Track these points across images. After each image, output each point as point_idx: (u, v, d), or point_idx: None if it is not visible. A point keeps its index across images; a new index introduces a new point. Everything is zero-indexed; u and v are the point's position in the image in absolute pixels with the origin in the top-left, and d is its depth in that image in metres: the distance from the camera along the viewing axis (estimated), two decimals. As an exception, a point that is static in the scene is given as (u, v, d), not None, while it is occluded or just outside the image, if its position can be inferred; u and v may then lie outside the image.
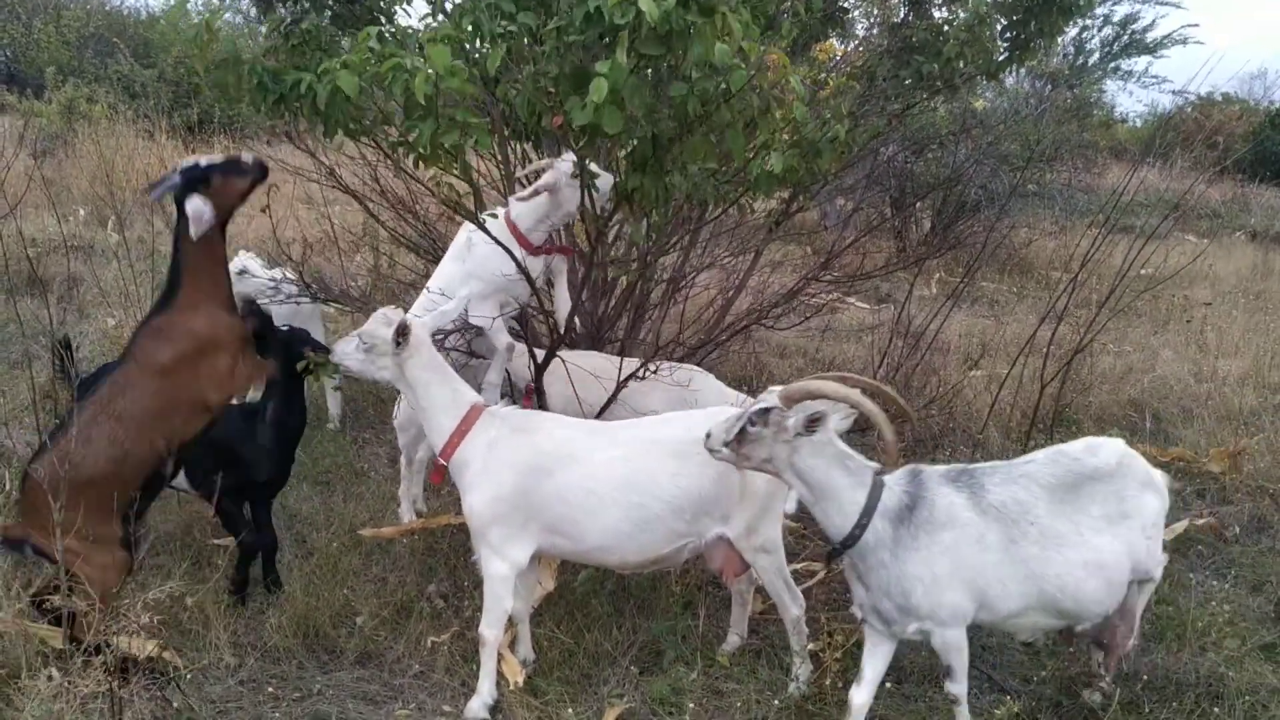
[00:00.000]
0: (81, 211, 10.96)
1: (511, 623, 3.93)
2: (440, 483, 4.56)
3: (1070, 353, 5.71)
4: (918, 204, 11.97)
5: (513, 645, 3.97)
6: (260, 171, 3.67)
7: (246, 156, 3.67)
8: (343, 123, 3.71)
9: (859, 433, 6.05)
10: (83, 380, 4.05)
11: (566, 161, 4.31)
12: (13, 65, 18.65)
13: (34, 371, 5.45)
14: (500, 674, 3.76)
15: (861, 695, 3.38)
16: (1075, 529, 3.35)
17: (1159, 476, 3.57)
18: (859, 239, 7.09)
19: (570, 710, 3.64)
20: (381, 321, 3.71)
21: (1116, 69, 16.91)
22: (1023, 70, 14.12)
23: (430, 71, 3.34)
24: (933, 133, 9.77)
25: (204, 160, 3.57)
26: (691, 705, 3.65)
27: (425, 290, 4.83)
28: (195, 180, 3.55)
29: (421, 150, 3.62)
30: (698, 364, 5.82)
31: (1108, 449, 3.49)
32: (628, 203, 4.13)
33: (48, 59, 16.96)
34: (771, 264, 7.41)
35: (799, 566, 4.46)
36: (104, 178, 11.68)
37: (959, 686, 3.41)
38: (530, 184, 4.43)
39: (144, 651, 3.51)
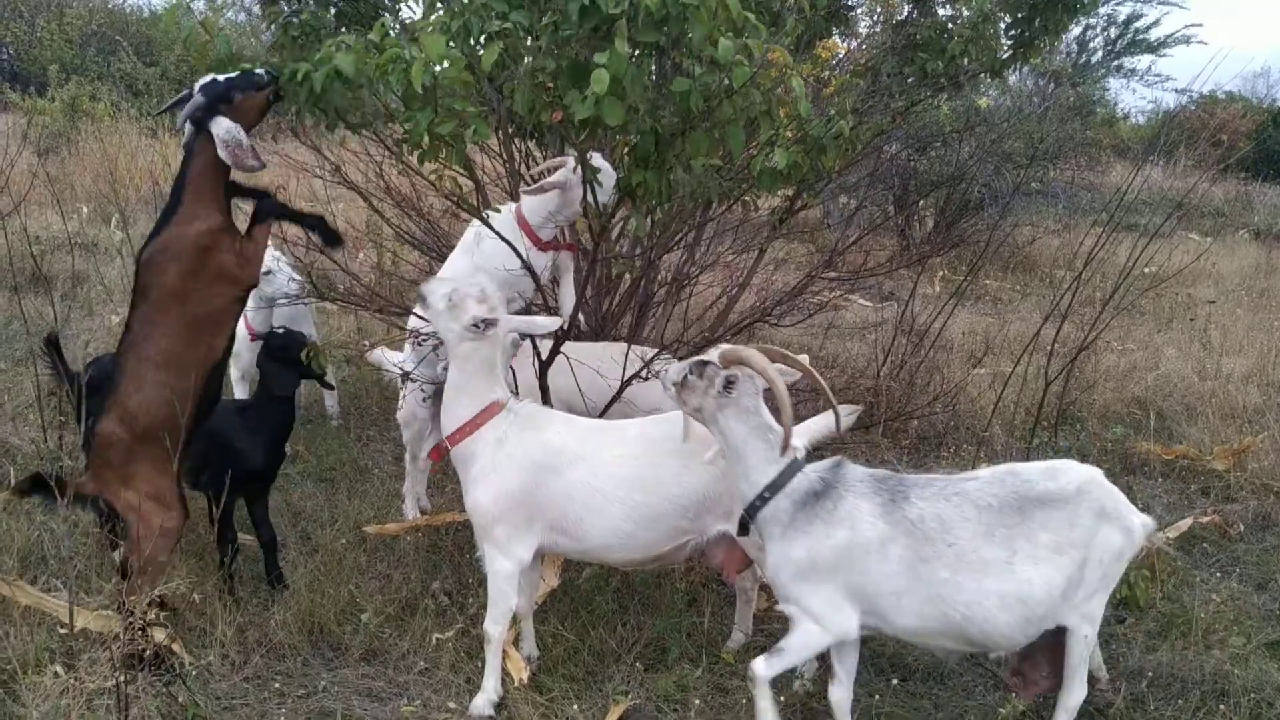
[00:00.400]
0: (85, 209, 10.99)
1: (516, 620, 3.94)
2: (439, 460, 4.53)
3: (1074, 351, 5.71)
4: (921, 202, 11.97)
5: (517, 642, 3.97)
6: (274, 81, 3.60)
7: (259, 69, 3.59)
8: (343, 112, 3.69)
9: (861, 429, 6.07)
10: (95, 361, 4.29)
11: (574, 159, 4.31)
12: (16, 63, 18.68)
13: (38, 369, 5.45)
14: (505, 671, 3.76)
15: (839, 692, 3.36)
16: (1008, 556, 3.14)
17: (1135, 517, 3.28)
18: (862, 237, 7.09)
19: (575, 706, 3.64)
20: (478, 298, 3.65)
21: (1120, 67, 16.89)
22: (1026, 68, 14.12)
23: (427, 60, 3.34)
24: (936, 131, 9.76)
25: (221, 76, 3.48)
26: (697, 702, 3.66)
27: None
28: (217, 98, 3.46)
29: (418, 140, 3.59)
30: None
31: (1071, 474, 3.26)
32: (630, 198, 4.13)
33: (50, 57, 17.01)
34: (775, 262, 7.41)
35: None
36: (107, 175, 11.73)
37: (839, 689, 3.34)
38: (539, 181, 4.42)
39: (152, 643, 3.51)
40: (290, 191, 7.83)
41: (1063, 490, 3.20)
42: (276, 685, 3.71)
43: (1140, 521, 3.29)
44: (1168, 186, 12.15)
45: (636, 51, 3.40)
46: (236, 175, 3.67)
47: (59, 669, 3.28)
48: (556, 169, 4.43)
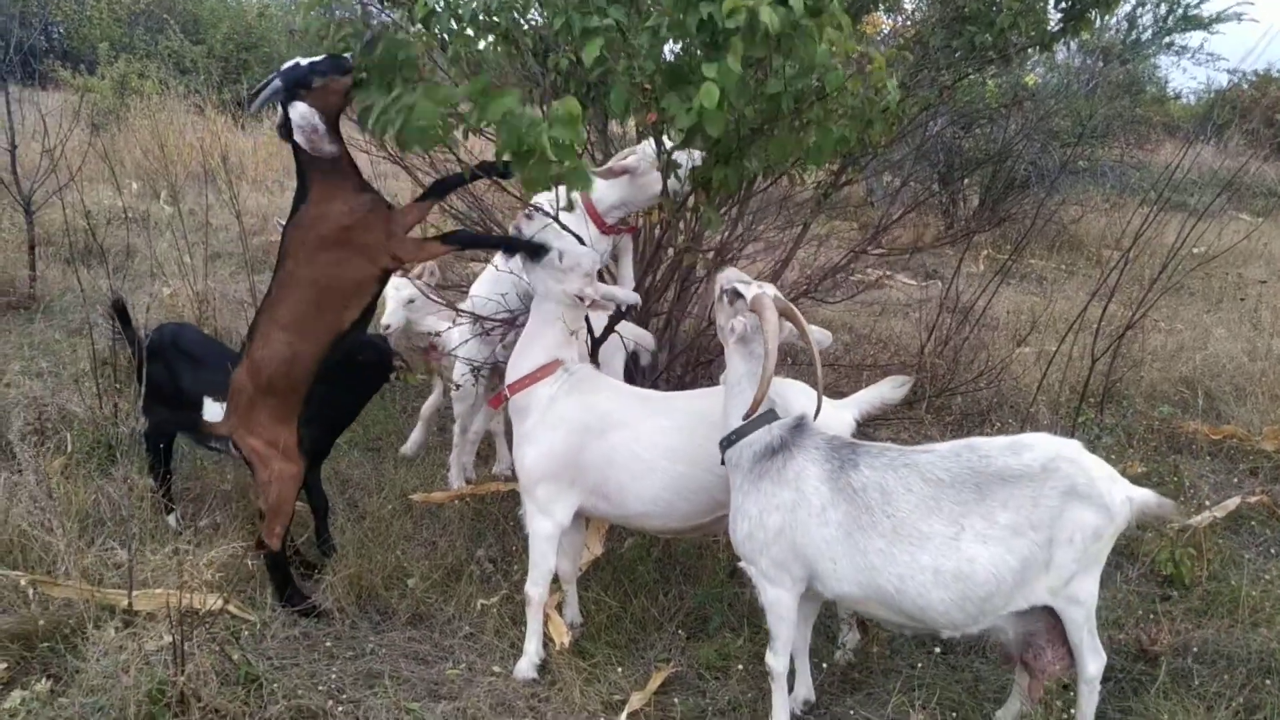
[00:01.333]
0: (135, 184, 11.16)
1: (559, 586, 3.99)
2: (498, 408, 4.65)
3: (1121, 329, 5.65)
4: (966, 180, 11.85)
5: (560, 608, 4.03)
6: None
7: (346, 54, 3.54)
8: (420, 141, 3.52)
9: (905, 406, 6.05)
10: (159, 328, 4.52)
11: (650, 145, 4.30)
12: (67, 42, 18.94)
13: (94, 338, 5.57)
14: (547, 636, 3.82)
15: (774, 660, 3.40)
16: (953, 532, 3.04)
17: (1115, 493, 3.07)
18: (906, 214, 7.05)
19: (619, 670, 3.69)
20: (586, 271, 3.78)
21: (1170, 44, 16.55)
22: (1075, 46, 13.89)
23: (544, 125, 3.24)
24: (982, 107, 9.65)
25: (304, 60, 3.49)
26: (740, 668, 3.69)
27: (492, 265, 4.88)
28: (296, 83, 3.47)
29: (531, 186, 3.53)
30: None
31: (1037, 450, 3.09)
32: (704, 190, 4.12)
33: (100, 35, 17.21)
34: (818, 238, 7.39)
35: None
36: (156, 151, 11.91)
37: (775, 660, 3.33)
38: (608, 164, 4.44)
39: (207, 606, 3.60)
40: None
41: (1026, 467, 3.06)
42: (327, 645, 3.79)
43: (1123, 496, 3.08)
44: (1218, 166, 11.94)
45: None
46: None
47: (118, 624, 3.37)
48: (629, 155, 4.43)
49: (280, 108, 3.51)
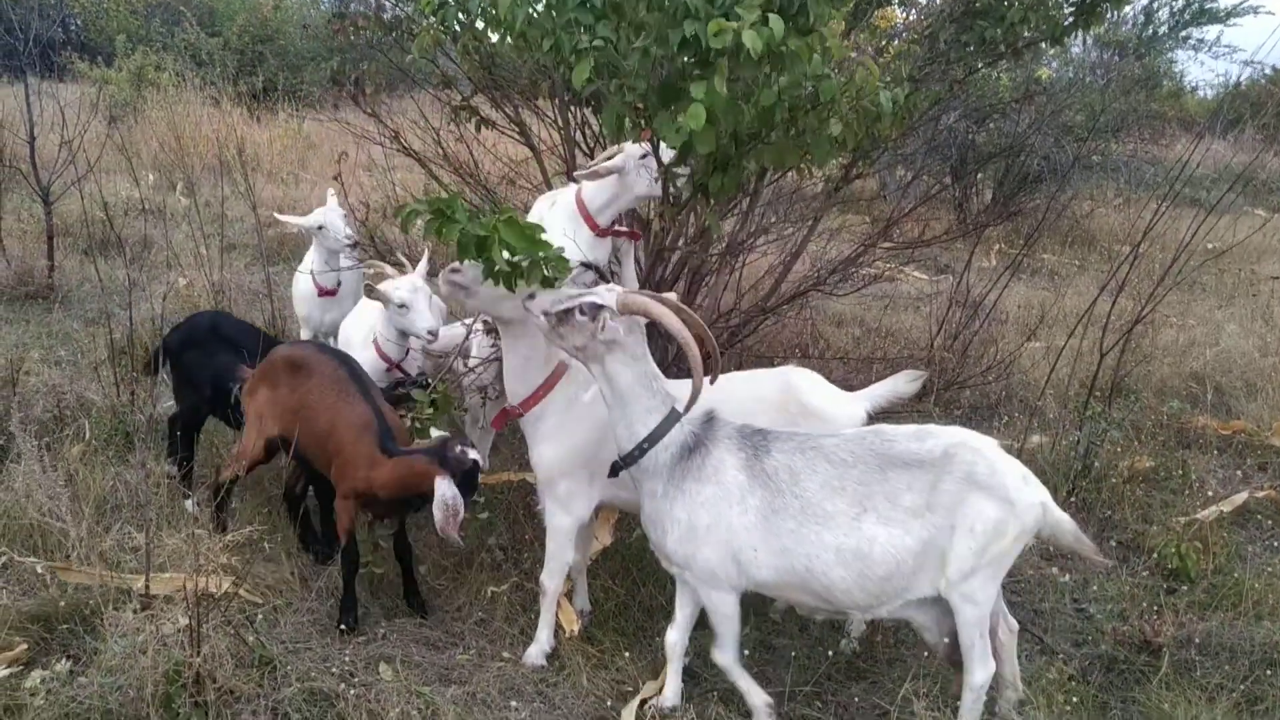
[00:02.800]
0: (151, 176, 11.25)
1: (569, 575, 4.04)
2: (501, 429, 4.56)
3: (1130, 323, 5.66)
4: (979, 174, 11.83)
5: (570, 596, 4.08)
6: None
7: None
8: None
9: (916, 399, 6.07)
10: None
11: (635, 146, 4.34)
12: (84, 34, 19.06)
13: (111, 327, 5.64)
14: (557, 623, 3.87)
15: (672, 635, 3.47)
16: (855, 512, 3.09)
17: (1023, 492, 3.09)
18: (917, 207, 7.07)
19: (627, 655, 3.74)
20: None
21: (1187, 38, 16.47)
22: (1089, 39, 13.84)
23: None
24: (995, 101, 9.64)
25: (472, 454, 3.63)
26: (745, 652, 3.73)
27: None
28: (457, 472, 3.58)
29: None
30: (754, 331, 5.88)
31: (939, 438, 3.14)
32: (704, 195, 4.15)
33: (117, 28, 17.30)
34: (829, 232, 7.41)
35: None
36: (172, 143, 12.00)
37: (722, 655, 3.37)
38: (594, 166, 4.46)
39: (221, 589, 3.66)
40: (350, 160, 8.00)
41: (928, 453, 3.10)
42: (339, 630, 3.85)
43: (1035, 500, 3.10)
44: (1233, 160, 11.90)
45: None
46: None
47: (136, 607, 3.43)
48: (614, 155, 4.46)
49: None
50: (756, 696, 3.40)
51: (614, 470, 3.39)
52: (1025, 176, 11.56)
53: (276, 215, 5.92)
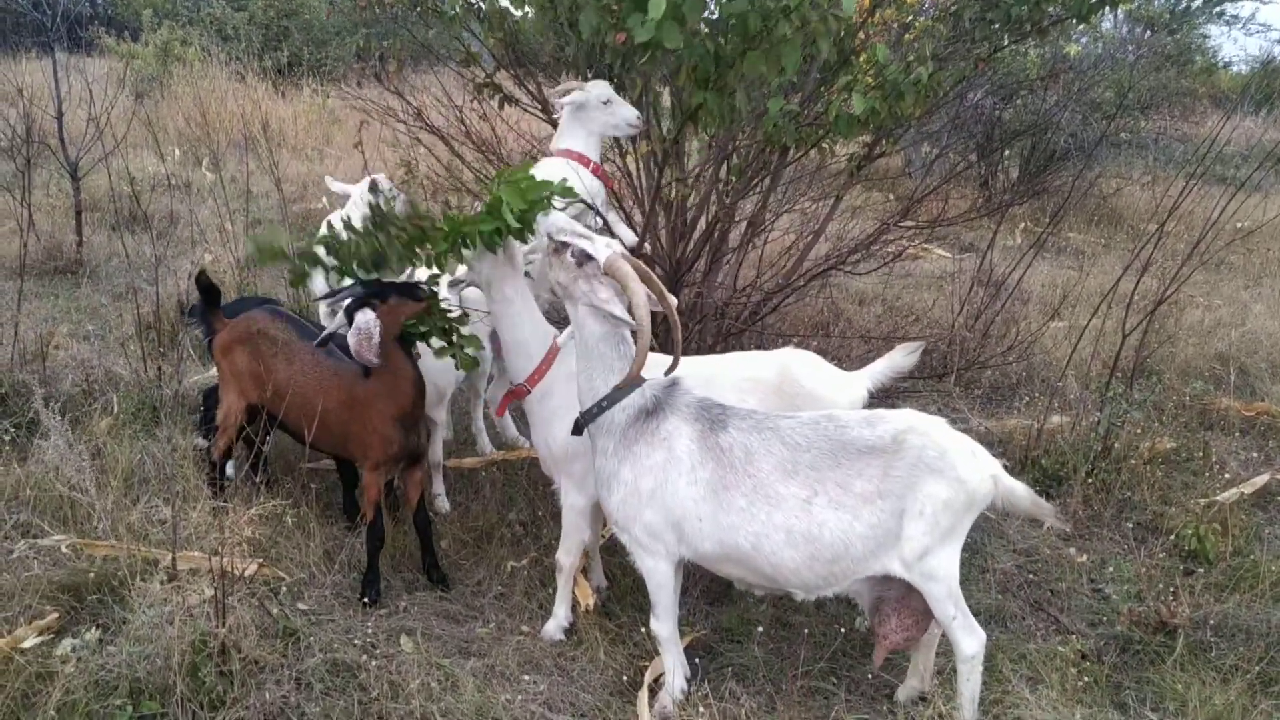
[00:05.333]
0: (177, 151, 11.33)
1: (585, 551, 4.08)
2: (503, 414, 4.46)
3: (1154, 303, 5.63)
4: (1005, 152, 11.74)
5: (586, 572, 4.12)
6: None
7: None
8: None
9: (934, 378, 6.08)
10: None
11: (601, 87, 4.59)
12: (111, 9, 19.16)
13: (138, 302, 5.71)
14: (574, 598, 3.92)
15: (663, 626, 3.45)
16: (807, 495, 3.11)
17: (971, 469, 3.11)
18: (942, 185, 7.03)
19: (643, 631, 3.79)
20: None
21: (1221, 14, 16.22)
22: (1121, 14, 13.65)
23: None
24: (1022, 78, 9.55)
25: (387, 280, 3.70)
26: (759, 629, 3.77)
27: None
28: (372, 295, 3.67)
29: None
30: (773, 310, 5.88)
31: (889, 423, 3.16)
32: (692, 121, 4.19)
33: (144, 3, 17.40)
34: (852, 210, 7.39)
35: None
36: (198, 119, 12.07)
37: (660, 626, 3.40)
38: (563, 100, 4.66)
39: (245, 570, 3.73)
40: (372, 135, 8.02)
41: (879, 438, 3.13)
42: (362, 602, 3.91)
43: (985, 474, 3.13)
44: (1264, 137, 11.74)
45: None
46: None
47: (163, 578, 3.50)
48: (574, 90, 4.65)
49: (345, 312, 3.68)
50: (679, 678, 3.46)
51: (577, 428, 3.40)
52: (1052, 154, 11.47)
53: (328, 180, 5.99)
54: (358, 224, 3.60)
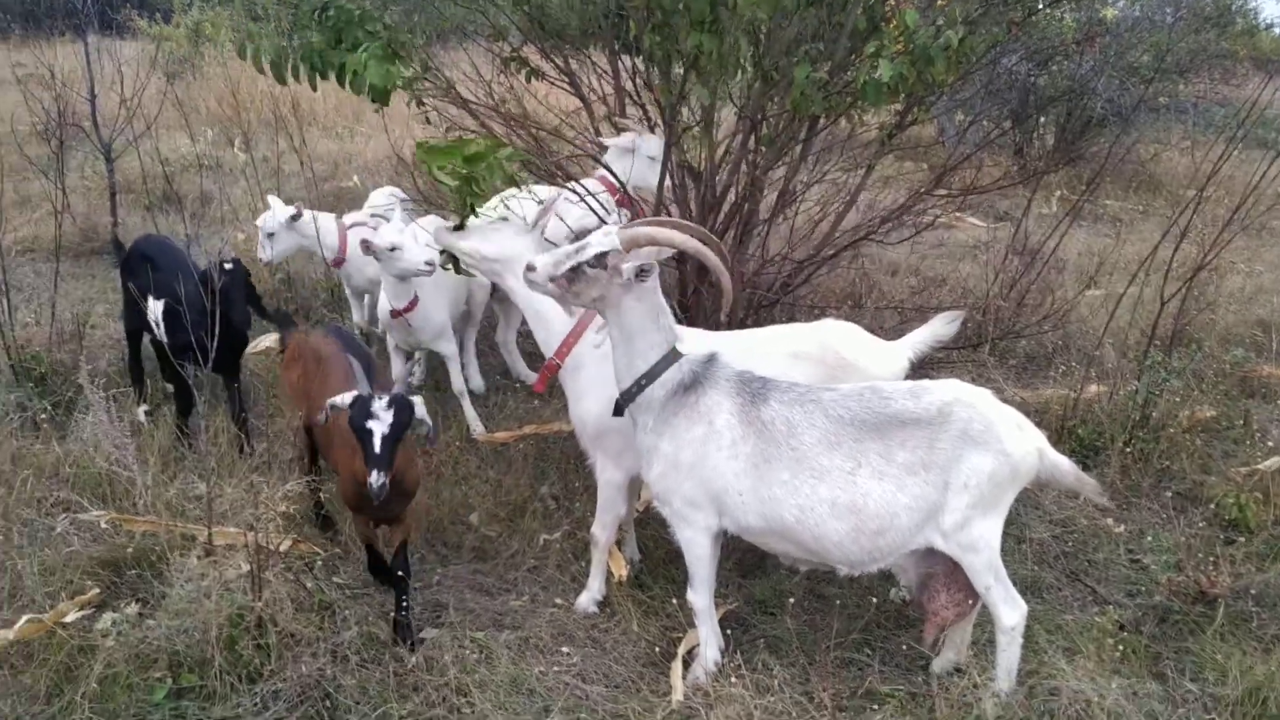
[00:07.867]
0: (209, 132, 11.40)
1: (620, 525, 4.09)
2: (543, 390, 4.55)
3: (1193, 270, 5.53)
4: (1040, 118, 11.54)
5: (620, 544, 4.13)
6: None
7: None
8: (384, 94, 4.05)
9: (969, 348, 6.01)
10: None
11: (650, 141, 5.01)
12: (142, -9, 19.26)
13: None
14: (608, 571, 3.92)
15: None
16: (851, 467, 3.10)
17: (1016, 442, 3.09)
18: (975, 153, 6.92)
19: (675, 602, 3.79)
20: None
21: (1264, -28, 15.83)
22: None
23: None
24: (1057, 42, 9.36)
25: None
26: (790, 601, 3.75)
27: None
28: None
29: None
30: (805, 280, 5.83)
31: (934, 394, 3.13)
32: (695, 70, 4.18)
33: (174, -16, 17.47)
34: (884, 179, 7.30)
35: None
36: (230, 100, 12.12)
37: (697, 597, 3.40)
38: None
39: (280, 545, 3.76)
40: (401, 112, 8.01)
41: (924, 410, 3.10)
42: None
43: (1031, 448, 3.12)
44: (1308, 100, 11.47)
45: None
46: None
47: (200, 553, 3.55)
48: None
49: None
50: (713, 650, 3.46)
51: (617, 409, 3.37)
52: (1088, 120, 11.26)
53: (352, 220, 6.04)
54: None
